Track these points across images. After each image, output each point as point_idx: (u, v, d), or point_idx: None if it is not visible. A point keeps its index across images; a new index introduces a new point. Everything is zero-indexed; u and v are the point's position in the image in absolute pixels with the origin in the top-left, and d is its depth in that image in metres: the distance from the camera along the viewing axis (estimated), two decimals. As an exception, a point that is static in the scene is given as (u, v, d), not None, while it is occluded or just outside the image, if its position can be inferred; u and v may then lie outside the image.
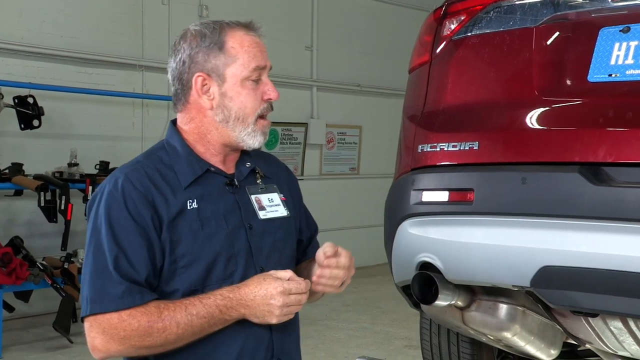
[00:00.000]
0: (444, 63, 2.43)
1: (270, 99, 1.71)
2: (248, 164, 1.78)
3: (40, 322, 5.62)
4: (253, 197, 1.74)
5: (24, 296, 5.29)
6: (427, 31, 2.52)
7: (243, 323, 1.64)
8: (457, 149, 2.28)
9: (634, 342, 2.22)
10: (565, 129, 2.11)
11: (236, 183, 1.73)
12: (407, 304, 2.54)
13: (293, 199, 1.86)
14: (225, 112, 1.68)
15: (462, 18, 2.40)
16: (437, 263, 2.26)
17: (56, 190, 5.18)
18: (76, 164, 5.58)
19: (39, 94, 5.61)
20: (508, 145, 2.21)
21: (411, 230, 2.34)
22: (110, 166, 5.83)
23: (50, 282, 5.08)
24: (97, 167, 5.76)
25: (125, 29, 6.48)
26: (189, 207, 1.64)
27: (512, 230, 2.14)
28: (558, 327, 2.37)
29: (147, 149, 1.77)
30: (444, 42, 2.43)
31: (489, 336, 2.42)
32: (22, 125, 5.51)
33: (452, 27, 2.42)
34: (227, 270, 1.65)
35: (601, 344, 2.34)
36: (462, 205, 2.24)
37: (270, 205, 1.76)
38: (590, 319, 2.22)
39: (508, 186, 2.16)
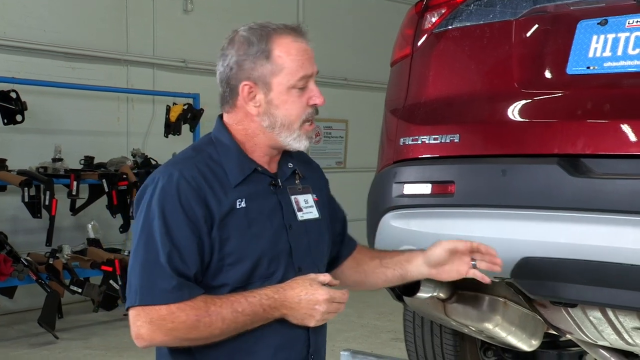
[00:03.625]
0: (425, 56, 2.44)
1: (315, 104, 1.74)
2: (290, 165, 1.82)
3: (25, 318, 5.60)
4: (293, 197, 1.79)
5: (9, 292, 5.26)
6: (408, 24, 2.53)
7: (282, 321, 1.68)
8: (438, 141, 2.29)
9: (612, 332, 2.24)
10: (545, 121, 2.12)
11: (279, 183, 1.77)
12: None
13: (323, 198, 1.90)
14: (271, 118, 1.70)
15: (443, 11, 2.41)
16: (419, 255, 2.27)
17: (40, 186, 5.15)
18: (60, 159, 5.56)
19: (23, 88, 5.58)
20: (488, 137, 2.22)
21: (393, 223, 2.35)
22: (95, 161, 5.81)
23: (35, 277, 5.06)
24: (82, 162, 5.74)
25: (109, 23, 6.45)
26: (237, 207, 1.66)
27: (492, 222, 2.15)
28: (539, 317, 2.39)
29: (194, 143, 1.79)
30: (425, 35, 2.44)
31: (471, 327, 2.43)
32: (5, 120, 5.47)
33: (433, 20, 2.43)
34: (269, 269, 1.70)
35: (581, 334, 2.36)
36: (443, 197, 2.25)
37: (306, 207, 1.80)
38: (570, 310, 2.24)
39: (488, 178, 2.17)
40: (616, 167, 1.98)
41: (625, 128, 1.97)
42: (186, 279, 1.60)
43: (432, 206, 2.28)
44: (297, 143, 1.73)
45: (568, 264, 2.01)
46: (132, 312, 1.62)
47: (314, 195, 1.84)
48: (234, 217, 1.66)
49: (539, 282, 2.09)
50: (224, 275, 1.66)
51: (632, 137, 1.95)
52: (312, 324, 1.67)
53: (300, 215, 1.78)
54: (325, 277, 1.69)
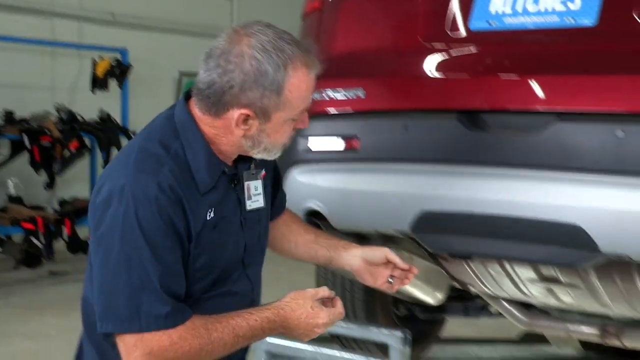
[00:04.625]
0: (333, 10, 2.42)
1: (300, 127, 1.62)
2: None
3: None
4: (246, 184, 1.67)
5: None
6: (318, -23, 2.49)
7: (232, 297, 1.63)
8: (343, 96, 2.28)
9: (510, 284, 2.31)
10: (446, 76, 2.13)
11: (240, 178, 1.64)
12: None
13: (270, 173, 1.79)
14: (256, 142, 1.56)
15: (352, -36, 2.38)
16: (324, 210, 2.29)
17: (-44, 141, 4.96)
18: (-22, 113, 5.36)
19: (-63, 39, 5.32)
20: (391, 92, 2.22)
21: (299, 178, 2.35)
22: (17, 116, 5.61)
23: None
24: (2, 116, 5.55)
25: (32, -28, 6.19)
26: (208, 218, 1.54)
27: (394, 176, 2.17)
28: (443, 271, 2.44)
29: (153, 129, 1.55)
30: (334, -11, 2.41)
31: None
32: None
33: (342, -27, 2.40)
34: (228, 273, 1.64)
35: (482, 286, 2.42)
36: (347, 152, 2.25)
37: (255, 194, 1.69)
38: (469, 263, 2.29)
39: (391, 133, 2.18)
40: (512, 122, 2.01)
41: (523, 84, 1.99)
42: (178, 299, 1.49)
43: (337, 161, 2.29)
44: (271, 157, 1.63)
45: (464, 217, 2.05)
46: (127, 341, 1.46)
47: (263, 171, 1.73)
48: (206, 231, 1.54)
49: (437, 235, 2.13)
50: (190, 288, 1.56)
51: (529, 93, 1.97)
52: (304, 339, 1.64)
53: (249, 205, 1.67)
54: (324, 291, 1.62)
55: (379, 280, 1.85)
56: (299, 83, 1.51)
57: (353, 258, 1.86)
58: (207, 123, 1.53)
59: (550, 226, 1.91)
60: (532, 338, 3.85)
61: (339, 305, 1.61)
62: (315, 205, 2.30)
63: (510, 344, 3.82)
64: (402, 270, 1.83)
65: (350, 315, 2.87)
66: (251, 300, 1.70)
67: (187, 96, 1.58)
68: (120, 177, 1.48)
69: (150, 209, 1.43)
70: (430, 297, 2.59)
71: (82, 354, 1.67)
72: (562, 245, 1.93)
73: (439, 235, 2.10)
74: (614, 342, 2.40)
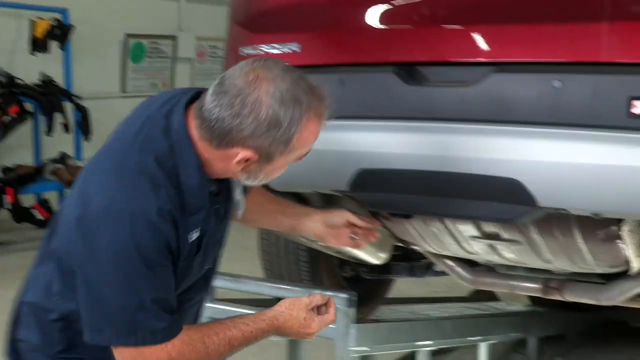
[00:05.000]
0: (267, -40, 2.30)
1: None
2: None
3: None
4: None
5: None
6: None
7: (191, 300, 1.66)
8: (278, 50, 2.18)
9: (453, 242, 2.27)
10: (381, 28, 2.05)
11: (220, 193, 1.60)
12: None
13: None
14: (251, 176, 1.53)
15: None
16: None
17: None
18: None
19: None
20: (327, 46, 2.13)
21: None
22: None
23: None
24: None
25: None
26: (191, 240, 1.52)
27: (331, 134, 2.08)
28: (385, 230, 2.39)
29: (153, 146, 1.46)
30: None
31: (320, 243, 2.41)
32: None
33: None
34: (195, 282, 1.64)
35: (425, 245, 2.38)
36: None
37: (237, 198, 1.68)
38: (411, 221, 2.24)
39: (328, 89, 2.09)
40: (449, 75, 1.94)
41: (458, 34, 1.92)
42: (172, 313, 1.49)
43: (273, 119, 2.19)
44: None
45: (402, 175, 1.99)
46: (125, 355, 1.47)
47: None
48: (188, 251, 1.53)
49: (376, 194, 2.06)
50: None
51: (465, 44, 1.90)
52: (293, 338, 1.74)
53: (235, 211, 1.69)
54: (318, 299, 1.66)
55: (342, 239, 1.97)
56: (308, 134, 1.50)
57: (315, 224, 1.95)
58: (204, 149, 1.48)
59: (488, 181, 1.86)
60: (482, 296, 3.87)
61: (332, 311, 1.66)
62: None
63: (461, 302, 3.83)
64: (364, 229, 1.96)
65: (295, 278, 2.81)
66: (206, 292, 1.74)
67: (189, 101, 1.50)
68: (116, 193, 1.42)
69: (150, 235, 1.41)
70: (374, 257, 2.55)
71: (20, 322, 1.61)
72: (500, 201, 1.88)
73: (377, 194, 2.04)
74: (556, 297, 2.40)
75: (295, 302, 1.63)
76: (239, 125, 1.43)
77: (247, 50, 2.23)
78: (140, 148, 1.46)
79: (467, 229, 2.17)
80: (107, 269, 1.42)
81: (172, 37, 7.63)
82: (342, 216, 1.96)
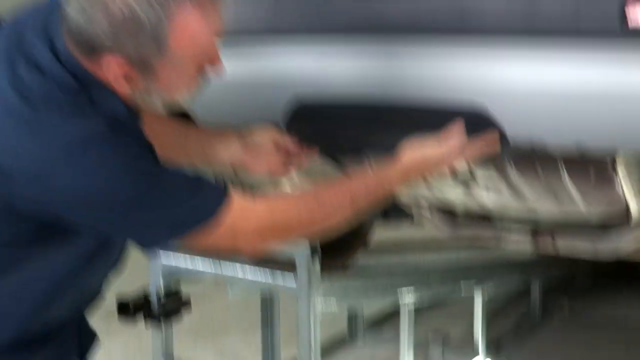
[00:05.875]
0: None
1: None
2: None
3: None
4: None
5: None
6: None
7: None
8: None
9: (424, 188, 1.94)
10: None
11: None
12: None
13: None
14: (142, 95, 1.30)
15: None
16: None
17: None
18: None
19: None
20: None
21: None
22: None
23: None
24: None
25: None
26: None
27: (263, 61, 1.75)
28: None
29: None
30: None
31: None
32: None
33: None
34: None
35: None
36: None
37: None
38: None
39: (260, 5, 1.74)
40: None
41: None
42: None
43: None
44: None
45: (350, 108, 1.65)
46: (217, 233, 1.25)
47: None
48: None
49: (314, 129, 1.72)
50: None
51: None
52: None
53: None
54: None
55: (271, 166, 1.59)
56: (188, 32, 1.20)
57: (231, 148, 1.58)
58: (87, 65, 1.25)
59: (452, 114, 1.51)
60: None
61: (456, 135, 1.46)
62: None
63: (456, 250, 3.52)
64: (296, 152, 1.60)
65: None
66: None
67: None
68: (57, 132, 1.18)
69: (124, 139, 1.20)
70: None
71: None
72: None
73: (316, 129, 1.70)
74: (549, 248, 2.06)
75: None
76: (95, 30, 1.18)
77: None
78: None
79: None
80: (125, 189, 1.20)
81: None
82: (268, 135, 1.59)
